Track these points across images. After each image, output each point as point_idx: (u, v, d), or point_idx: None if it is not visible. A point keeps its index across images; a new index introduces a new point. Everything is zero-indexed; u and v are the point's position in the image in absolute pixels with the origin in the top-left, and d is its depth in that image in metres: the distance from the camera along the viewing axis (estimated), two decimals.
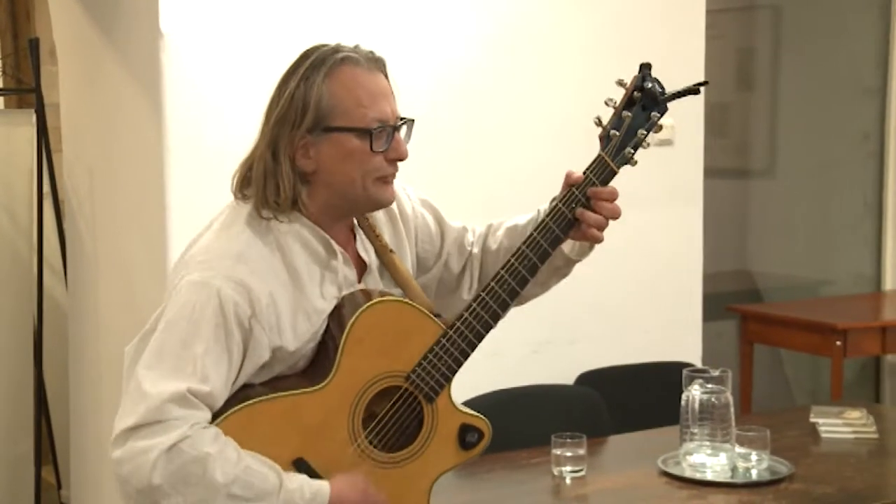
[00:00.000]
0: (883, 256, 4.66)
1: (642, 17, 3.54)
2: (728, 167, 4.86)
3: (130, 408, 1.61)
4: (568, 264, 1.89)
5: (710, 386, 2.36)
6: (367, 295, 1.75)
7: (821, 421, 2.67)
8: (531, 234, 1.77)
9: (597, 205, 1.79)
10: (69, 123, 3.59)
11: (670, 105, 1.87)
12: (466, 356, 1.75)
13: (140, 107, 3.00)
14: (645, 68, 1.82)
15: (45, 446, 4.06)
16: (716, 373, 2.38)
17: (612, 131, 1.80)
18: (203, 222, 3.02)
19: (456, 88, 3.24)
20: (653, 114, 1.81)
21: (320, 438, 1.68)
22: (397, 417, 1.74)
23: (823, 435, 2.63)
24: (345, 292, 1.74)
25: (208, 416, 1.62)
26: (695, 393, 2.36)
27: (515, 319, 3.29)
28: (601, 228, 1.80)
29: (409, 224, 1.89)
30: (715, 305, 4.13)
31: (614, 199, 1.80)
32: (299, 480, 1.64)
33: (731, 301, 4.47)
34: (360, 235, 1.80)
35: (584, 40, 3.45)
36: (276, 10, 2.98)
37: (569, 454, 2.36)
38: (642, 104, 1.81)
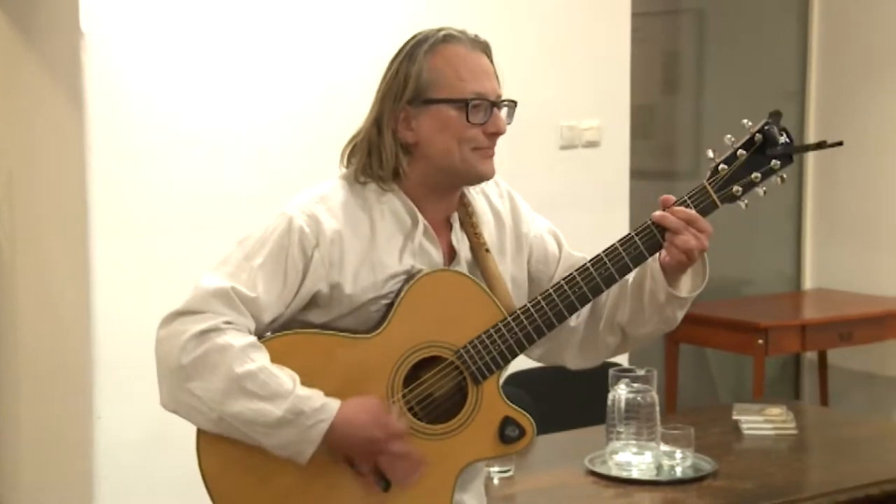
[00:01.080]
0: (802, 256, 4.76)
1: (568, 21, 3.57)
2: (654, 169, 4.92)
3: (186, 297, 1.69)
4: (669, 301, 1.79)
5: (636, 385, 2.39)
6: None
7: (743, 418, 2.72)
8: (614, 244, 1.76)
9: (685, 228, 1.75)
10: None
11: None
12: (522, 347, 1.75)
13: (61, 108, 2.95)
14: (774, 115, 1.79)
15: None
16: (641, 372, 2.41)
17: (722, 165, 1.79)
18: (126, 224, 2.99)
19: None
20: (773, 161, 1.77)
21: (357, 386, 1.69)
22: (440, 389, 1.73)
23: (745, 432, 2.67)
24: (423, 266, 1.75)
25: (250, 323, 1.68)
26: (621, 392, 2.39)
27: None
28: (686, 252, 1.74)
29: (521, 239, 1.88)
30: None
31: (701, 230, 1.76)
32: (311, 391, 1.66)
33: None
34: (456, 227, 1.82)
35: (508, 43, 3.46)
36: (196, 9, 2.96)
37: None
38: (763, 150, 1.77)
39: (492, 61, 1.80)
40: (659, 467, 2.38)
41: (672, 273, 1.77)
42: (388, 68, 1.78)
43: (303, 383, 1.67)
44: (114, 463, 2.92)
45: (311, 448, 1.64)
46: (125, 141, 2.85)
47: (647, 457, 2.37)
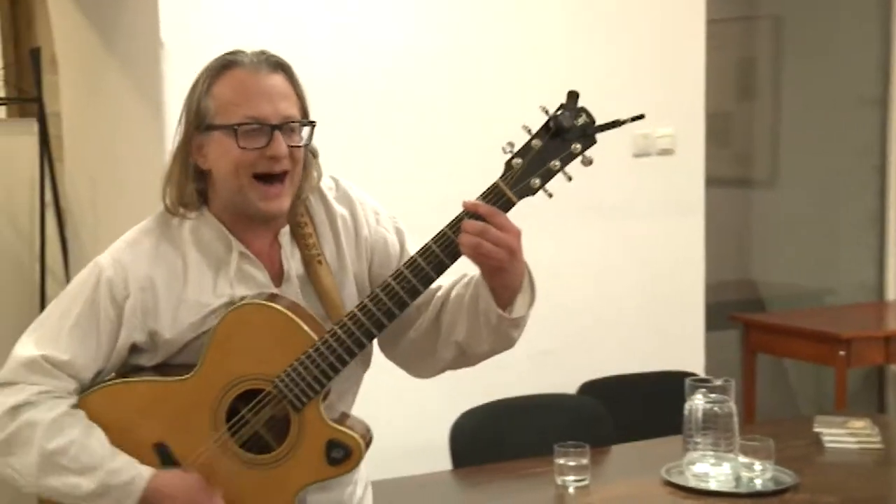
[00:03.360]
0: (886, 265, 4.65)
1: (643, 28, 3.54)
2: (730, 176, 4.85)
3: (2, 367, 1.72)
4: (501, 322, 1.71)
5: (713, 395, 2.35)
6: (273, 298, 1.74)
7: (825, 431, 2.66)
8: (414, 256, 1.68)
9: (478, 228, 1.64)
10: (71, 132, 3.59)
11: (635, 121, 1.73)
12: (336, 370, 1.70)
13: (141, 115, 3.00)
14: (570, 97, 1.66)
15: None
16: (719, 382, 2.37)
17: (516, 159, 1.65)
18: None
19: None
20: (574, 145, 1.65)
21: (182, 427, 1.73)
22: (261, 420, 1.73)
23: (827, 445, 2.62)
24: (245, 292, 1.74)
25: (70, 384, 1.71)
26: (698, 402, 2.35)
27: None
28: (476, 251, 1.63)
29: (361, 244, 1.84)
30: (718, 315, 4.13)
31: (480, 230, 1.63)
32: (124, 461, 1.69)
33: (734, 310, 4.46)
34: (285, 242, 1.79)
35: (581, 51, 3.45)
36: (273, 18, 2.99)
37: (572, 464, 2.35)
38: (561, 134, 1.64)
39: (292, 81, 1.74)
40: (738, 479, 2.33)
41: (499, 289, 1.68)
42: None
43: (125, 433, 1.70)
44: None
45: None
46: None
47: (726, 468, 2.34)
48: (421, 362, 1.87)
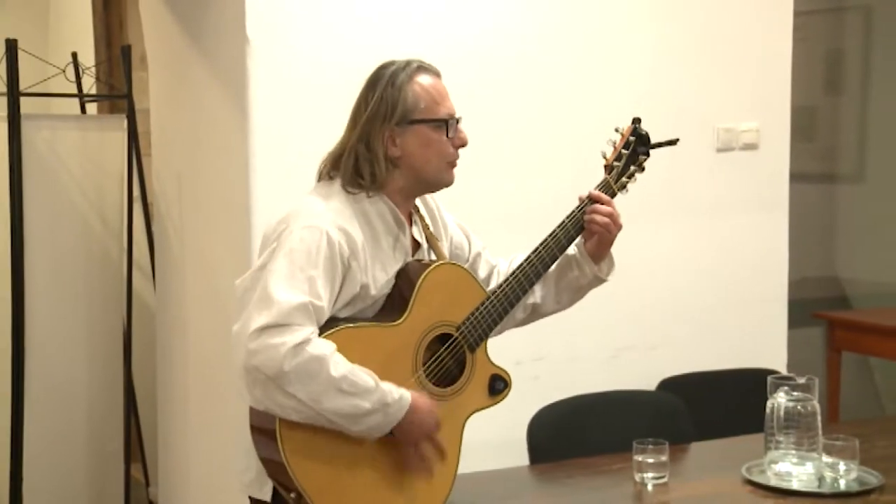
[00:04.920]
0: None
1: (728, 20, 3.50)
2: (815, 172, 4.77)
3: (261, 312, 1.93)
4: (591, 283, 2.31)
5: (796, 394, 2.32)
6: (423, 263, 2.14)
7: None
8: (553, 230, 2.22)
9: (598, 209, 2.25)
10: (158, 128, 3.67)
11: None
12: (501, 318, 2.17)
13: (226, 112, 3.06)
14: (637, 121, 2.32)
15: (134, 444, 4.16)
16: (802, 380, 2.34)
17: (616, 163, 2.30)
18: None
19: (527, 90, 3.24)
20: (641, 156, 2.31)
21: (391, 365, 2.03)
22: (448, 359, 2.11)
23: None
24: (408, 259, 2.14)
25: (316, 329, 1.95)
26: (780, 400, 2.32)
27: (596, 324, 3.32)
28: (604, 226, 2.23)
29: (447, 230, 2.30)
30: (801, 312, 4.06)
31: (610, 212, 2.24)
32: (389, 385, 1.98)
33: (818, 308, 4.38)
34: (416, 221, 2.20)
35: (665, 44, 3.42)
36: (358, 17, 3.02)
37: (650, 460, 2.34)
38: (634, 147, 2.30)
39: None
40: (821, 479, 2.30)
41: (598, 258, 2.27)
42: (370, 94, 2.10)
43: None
44: None
45: (388, 429, 1.98)
46: (287, 145, 2.93)
47: (809, 467, 2.30)
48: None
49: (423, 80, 2.10)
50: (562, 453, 2.64)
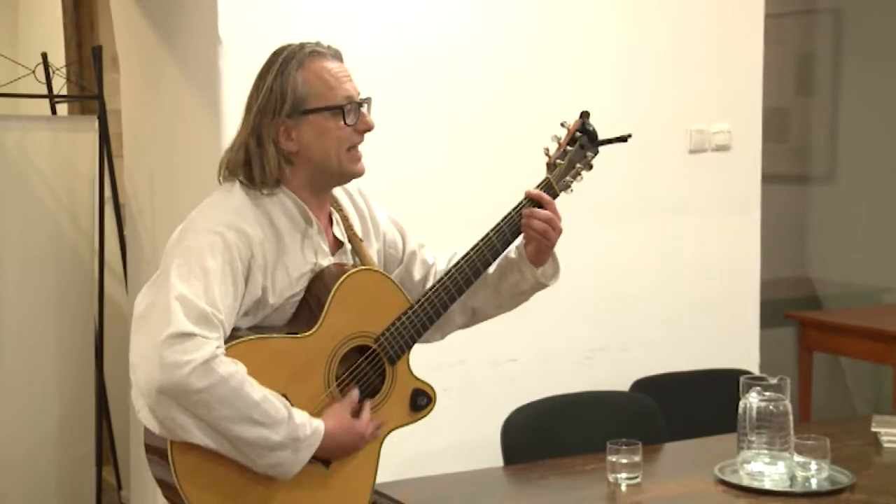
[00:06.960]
0: None
1: (700, 22, 3.52)
2: (787, 173, 4.80)
3: (163, 325, 1.78)
4: (534, 288, 2.14)
5: (768, 394, 2.33)
6: (342, 267, 1.99)
7: (883, 430, 2.63)
8: (487, 233, 2.06)
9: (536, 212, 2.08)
10: (130, 129, 3.64)
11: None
12: (426, 329, 2.02)
13: (199, 112, 3.04)
14: (585, 115, 2.14)
15: (106, 447, 4.13)
16: (774, 381, 2.35)
17: (559, 160, 2.12)
18: None
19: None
20: (588, 153, 2.13)
21: (300, 380, 1.89)
22: (364, 372, 1.98)
23: (886, 445, 2.58)
24: (321, 261, 1.98)
25: (222, 339, 1.81)
26: (752, 401, 2.34)
27: (570, 325, 3.33)
28: (541, 232, 2.06)
29: (378, 228, 2.15)
30: (773, 313, 4.09)
31: (548, 217, 2.06)
32: (302, 416, 1.85)
33: (790, 308, 4.41)
34: (336, 219, 2.05)
35: (638, 45, 3.43)
36: (330, 18, 3.01)
37: (624, 461, 2.35)
38: (580, 144, 2.12)
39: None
40: (793, 478, 2.31)
41: (538, 263, 2.10)
42: (258, 85, 1.96)
43: (261, 382, 1.82)
44: None
45: (295, 470, 1.84)
46: None
47: (780, 467, 2.31)
48: (436, 329, 2.13)
49: (316, 64, 1.94)
50: (536, 454, 2.64)
